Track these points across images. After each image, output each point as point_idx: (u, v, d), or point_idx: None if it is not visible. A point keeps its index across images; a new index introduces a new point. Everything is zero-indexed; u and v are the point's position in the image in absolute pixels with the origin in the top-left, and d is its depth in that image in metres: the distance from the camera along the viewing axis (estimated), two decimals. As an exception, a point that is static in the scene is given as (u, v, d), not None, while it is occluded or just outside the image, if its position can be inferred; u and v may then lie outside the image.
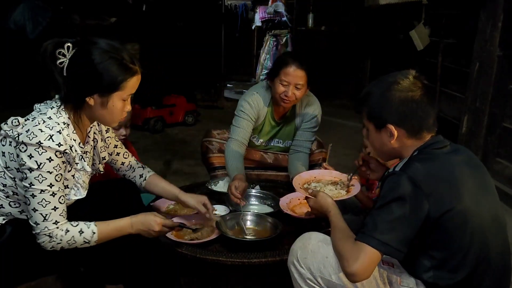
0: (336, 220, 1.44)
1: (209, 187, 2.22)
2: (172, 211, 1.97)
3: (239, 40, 8.29)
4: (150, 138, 4.72)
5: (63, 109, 1.45)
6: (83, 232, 1.45)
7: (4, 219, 1.48)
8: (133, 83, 1.48)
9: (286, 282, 1.66)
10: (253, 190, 2.15)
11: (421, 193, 1.21)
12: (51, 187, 1.39)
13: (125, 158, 1.82)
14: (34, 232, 1.40)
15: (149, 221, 1.56)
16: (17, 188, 1.44)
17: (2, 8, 5.27)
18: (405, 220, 1.22)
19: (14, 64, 5.17)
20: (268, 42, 7.21)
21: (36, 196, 1.37)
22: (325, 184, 1.88)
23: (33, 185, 1.37)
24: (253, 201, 2.12)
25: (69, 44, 1.39)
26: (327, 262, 1.36)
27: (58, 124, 1.40)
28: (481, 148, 3.38)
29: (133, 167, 1.84)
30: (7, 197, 1.46)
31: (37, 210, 1.38)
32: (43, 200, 1.38)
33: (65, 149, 1.39)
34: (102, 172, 1.72)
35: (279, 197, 2.09)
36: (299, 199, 2.01)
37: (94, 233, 1.46)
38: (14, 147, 1.38)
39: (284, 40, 7.09)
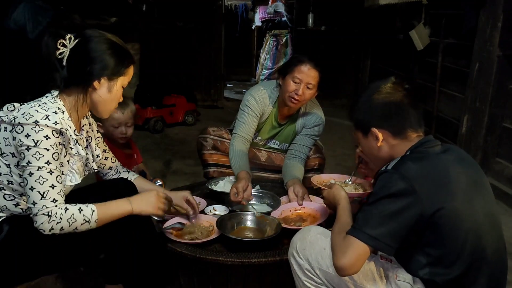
0: (341, 214, 1.45)
1: (209, 187, 2.22)
2: (172, 211, 1.97)
3: (239, 40, 8.30)
4: (150, 138, 4.72)
5: (58, 97, 1.48)
6: (82, 210, 1.43)
7: (1, 217, 1.47)
8: (132, 70, 1.58)
9: (286, 282, 1.66)
10: (253, 190, 2.15)
11: (413, 191, 1.22)
12: (48, 165, 1.38)
13: (113, 163, 1.84)
14: (32, 215, 1.38)
15: (147, 194, 1.61)
16: (12, 176, 1.43)
17: (2, 8, 5.27)
18: (396, 216, 1.23)
19: (14, 64, 5.16)
20: (268, 42, 7.22)
21: (33, 174, 1.36)
22: (341, 183, 1.90)
23: (31, 163, 1.36)
24: (253, 201, 2.12)
25: (70, 35, 1.45)
26: (325, 254, 1.39)
27: (50, 107, 1.42)
28: (481, 148, 3.38)
29: (119, 171, 1.86)
30: (2, 189, 1.45)
31: (34, 188, 1.36)
32: (40, 178, 1.37)
33: (61, 128, 1.41)
34: (96, 171, 1.74)
35: (279, 197, 2.10)
36: (290, 210, 2.00)
37: (93, 211, 1.45)
38: (10, 131, 1.39)
39: (284, 40, 7.09)
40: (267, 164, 2.53)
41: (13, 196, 1.47)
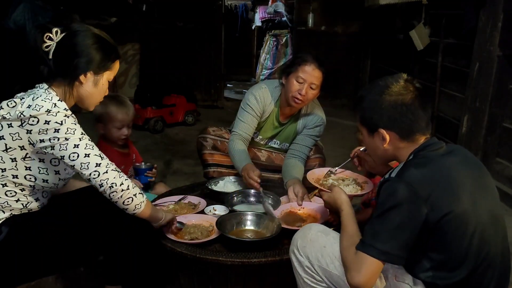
0: (346, 222, 1.43)
1: (209, 187, 2.22)
2: (172, 211, 1.97)
3: (239, 40, 8.29)
4: (150, 138, 4.72)
5: (50, 89, 1.48)
6: (135, 186, 1.52)
7: (0, 220, 1.47)
8: (118, 65, 1.60)
9: (286, 282, 1.66)
10: (253, 190, 2.15)
11: (418, 198, 1.21)
12: (83, 135, 1.43)
13: None
14: (99, 177, 1.42)
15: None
16: (17, 169, 1.44)
17: (2, 8, 5.27)
18: (404, 226, 1.22)
19: (14, 64, 5.16)
20: (268, 42, 7.21)
21: (79, 144, 1.41)
22: (339, 181, 1.89)
23: (68, 139, 1.39)
24: (253, 201, 2.12)
25: (57, 29, 1.47)
26: (325, 252, 1.39)
27: (53, 96, 1.44)
28: (481, 148, 3.38)
29: None
30: (4, 185, 1.46)
31: (89, 154, 1.42)
32: (87, 145, 1.42)
33: (72, 113, 1.44)
34: None
35: (279, 197, 2.10)
36: (290, 210, 2.00)
37: (142, 193, 1.54)
38: (19, 126, 1.39)
39: (284, 40, 7.09)
40: (267, 164, 2.52)
41: (14, 192, 1.48)
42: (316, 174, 1.99)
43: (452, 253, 1.24)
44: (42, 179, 1.49)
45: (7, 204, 1.48)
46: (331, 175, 1.95)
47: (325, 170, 2.03)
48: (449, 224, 1.22)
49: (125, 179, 1.48)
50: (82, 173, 1.43)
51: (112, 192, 1.44)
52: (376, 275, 1.25)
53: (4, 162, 1.43)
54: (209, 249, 1.69)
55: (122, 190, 1.46)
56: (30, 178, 1.47)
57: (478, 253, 1.24)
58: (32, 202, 1.53)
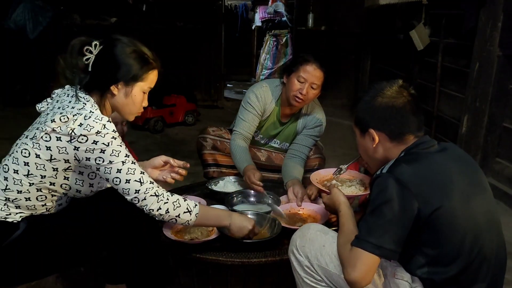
0: (344, 221, 1.44)
1: (209, 187, 2.22)
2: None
3: (239, 40, 8.30)
4: (150, 138, 4.72)
5: (95, 103, 1.50)
6: (186, 200, 1.55)
7: (20, 216, 1.49)
8: (153, 76, 1.61)
9: (286, 282, 1.66)
10: (253, 190, 2.15)
11: (409, 193, 1.23)
12: (128, 157, 1.45)
13: None
14: (139, 203, 1.46)
15: (248, 221, 1.69)
16: (56, 178, 1.48)
17: (2, 8, 5.27)
18: (397, 221, 1.24)
19: (14, 64, 5.17)
20: (268, 42, 7.21)
21: (121, 169, 1.43)
22: (343, 182, 1.89)
23: (113, 161, 1.42)
24: (253, 200, 2.13)
25: (96, 42, 1.50)
26: (324, 251, 1.40)
27: (103, 116, 1.46)
28: (481, 148, 3.39)
29: None
30: (39, 190, 1.48)
31: (130, 179, 1.44)
32: (129, 169, 1.45)
33: (118, 135, 1.46)
34: None
35: (279, 197, 2.10)
36: (289, 211, 2.00)
37: (196, 205, 1.56)
38: (68, 141, 1.41)
39: (284, 40, 7.09)
40: (267, 163, 2.53)
41: (45, 197, 1.51)
42: (321, 175, 1.99)
43: (445, 248, 1.25)
44: (76, 189, 1.54)
45: (34, 207, 1.51)
46: (340, 172, 1.93)
47: (330, 171, 2.03)
48: (441, 219, 1.23)
49: (164, 203, 1.49)
50: (124, 197, 1.48)
51: (152, 215, 1.50)
52: (372, 270, 1.25)
53: (46, 170, 1.46)
54: (209, 249, 1.69)
55: (161, 215, 1.50)
56: (66, 187, 1.52)
57: (472, 247, 1.26)
58: (55, 206, 1.56)
